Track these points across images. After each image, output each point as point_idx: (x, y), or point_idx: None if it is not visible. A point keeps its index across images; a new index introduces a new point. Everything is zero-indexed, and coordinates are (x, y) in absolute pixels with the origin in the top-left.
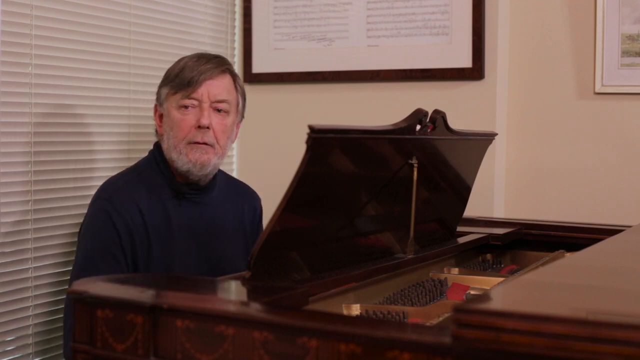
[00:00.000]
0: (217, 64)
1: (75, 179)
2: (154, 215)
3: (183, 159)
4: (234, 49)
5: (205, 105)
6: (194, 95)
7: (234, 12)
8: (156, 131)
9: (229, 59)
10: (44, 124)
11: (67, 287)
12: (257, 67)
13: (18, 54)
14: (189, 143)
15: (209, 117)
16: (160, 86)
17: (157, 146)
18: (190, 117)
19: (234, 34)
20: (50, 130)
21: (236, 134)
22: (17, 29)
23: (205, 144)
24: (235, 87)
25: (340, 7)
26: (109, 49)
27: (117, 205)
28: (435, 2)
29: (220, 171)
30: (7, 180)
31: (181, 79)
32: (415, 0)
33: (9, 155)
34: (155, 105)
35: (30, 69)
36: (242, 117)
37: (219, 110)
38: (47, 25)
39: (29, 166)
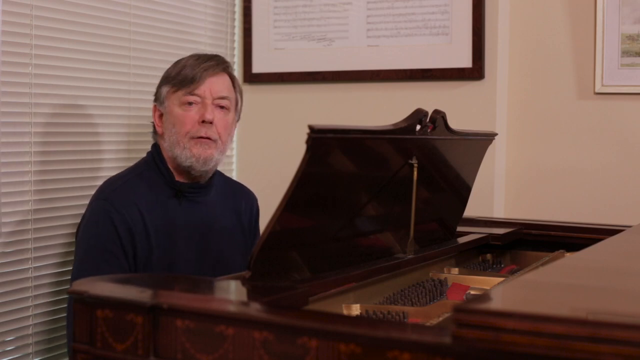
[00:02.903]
0: (218, 62)
1: (75, 179)
2: (153, 214)
3: (186, 153)
4: (234, 49)
5: (208, 101)
6: (197, 91)
7: (234, 12)
8: (154, 132)
9: (229, 59)
10: (44, 124)
11: (67, 287)
12: (257, 67)
13: (18, 54)
14: (192, 138)
15: (213, 112)
16: (160, 86)
17: (156, 147)
18: (193, 113)
19: (234, 34)
20: (50, 130)
21: (233, 134)
22: (17, 29)
23: (209, 138)
24: (234, 86)
25: (340, 7)
26: (109, 49)
27: (116, 204)
28: (435, 2)
29: (217, 172)
30: (7, 180)
31: (183, 77)
32: (415, 0)
33: (9, 155)
34: (155, 106)
35: (30, 69)
36: (239, 118)
37: (221, 107)
38: (47, 25)
39: (29, 166)
